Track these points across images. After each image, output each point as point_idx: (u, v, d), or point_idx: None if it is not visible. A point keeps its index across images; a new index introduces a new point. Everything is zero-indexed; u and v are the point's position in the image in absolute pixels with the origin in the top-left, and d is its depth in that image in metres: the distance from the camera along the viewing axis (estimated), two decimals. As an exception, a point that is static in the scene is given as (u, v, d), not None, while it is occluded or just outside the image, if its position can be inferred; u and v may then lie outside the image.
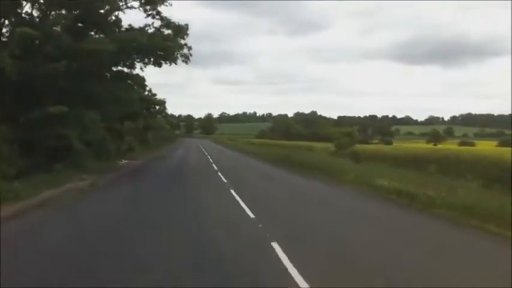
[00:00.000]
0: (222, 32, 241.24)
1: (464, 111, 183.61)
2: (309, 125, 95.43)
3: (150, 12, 19.13)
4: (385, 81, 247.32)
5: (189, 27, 19.62)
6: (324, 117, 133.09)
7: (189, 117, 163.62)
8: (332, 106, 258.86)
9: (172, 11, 45.57)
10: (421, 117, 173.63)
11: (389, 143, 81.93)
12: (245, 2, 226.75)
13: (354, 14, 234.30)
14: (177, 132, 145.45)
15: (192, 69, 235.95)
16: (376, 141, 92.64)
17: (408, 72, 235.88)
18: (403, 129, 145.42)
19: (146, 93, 35.07)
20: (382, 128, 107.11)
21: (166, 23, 19.12)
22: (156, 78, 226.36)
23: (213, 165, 26.89)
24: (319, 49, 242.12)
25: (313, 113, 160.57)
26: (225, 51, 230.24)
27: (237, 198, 12.80)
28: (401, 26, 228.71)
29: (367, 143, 78.99)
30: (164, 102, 44.17)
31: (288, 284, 5.47)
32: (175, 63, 20.09)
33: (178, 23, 19.59)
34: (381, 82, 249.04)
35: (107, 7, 18.34)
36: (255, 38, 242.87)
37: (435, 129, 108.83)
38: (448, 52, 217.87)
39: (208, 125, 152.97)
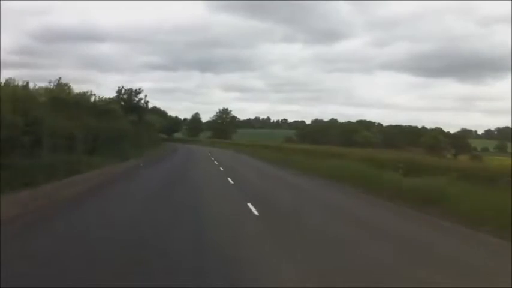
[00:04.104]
0: (238, 38, 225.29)
1: (501, 125, 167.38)
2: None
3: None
4: (402, 93, 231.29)
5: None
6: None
7: (196, 118, 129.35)
8: (347, 116, 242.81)
9: None
10: (451, 129, 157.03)
11: (477, 158, 64.05)
12: (267, 9, 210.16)
13: (375, 25, 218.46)
14: (179, 134, 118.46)
15: (204, 75, 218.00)
16: (449, 155, 74.91)
17: (427, 85, 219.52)
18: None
19: None
20: (455, 139, 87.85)
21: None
22: (167, 83, 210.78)
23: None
24: (335, 59, 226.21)
25: (333, 120, 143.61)
26: (239, 57, 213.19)
27: None
28: (420, 38, 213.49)
29: (441, 156, 61.31)
30: None
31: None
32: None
33: None
34: (398, 93, 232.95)
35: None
36: (270, 45, 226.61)
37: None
38: (466, 66, 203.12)
39: (221, 127, 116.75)
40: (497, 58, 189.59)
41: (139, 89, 48.95)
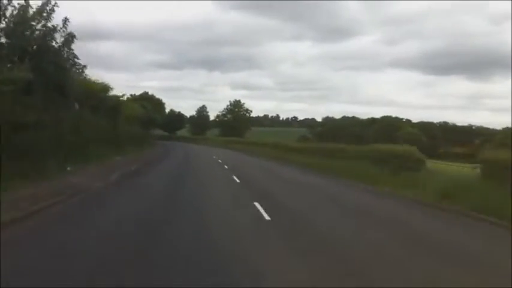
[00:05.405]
0: (245, 36, 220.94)
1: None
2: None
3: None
4: (411, 91, 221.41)
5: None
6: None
7: (202, 112, 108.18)
8: (356, 113, 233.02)
9: None
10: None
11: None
12: (275, 7, 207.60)
13: (384, 23, 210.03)
14: (183, 132, 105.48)
15: (211, 73, 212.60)
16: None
17: (436, 82, 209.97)
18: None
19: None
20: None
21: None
22: (173, 82, 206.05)
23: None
24: (344, 57, 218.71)
25: (345, 118, 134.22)
26: (247, 55, 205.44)
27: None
28: (430, 36, 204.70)
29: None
30: None
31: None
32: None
33: None
34: (406, 91, 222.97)
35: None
36: (279, 43, 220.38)
37: None
38: (475, 63, 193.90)
39: (232, 123, 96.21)
40: (507, 56, 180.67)
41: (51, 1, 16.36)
